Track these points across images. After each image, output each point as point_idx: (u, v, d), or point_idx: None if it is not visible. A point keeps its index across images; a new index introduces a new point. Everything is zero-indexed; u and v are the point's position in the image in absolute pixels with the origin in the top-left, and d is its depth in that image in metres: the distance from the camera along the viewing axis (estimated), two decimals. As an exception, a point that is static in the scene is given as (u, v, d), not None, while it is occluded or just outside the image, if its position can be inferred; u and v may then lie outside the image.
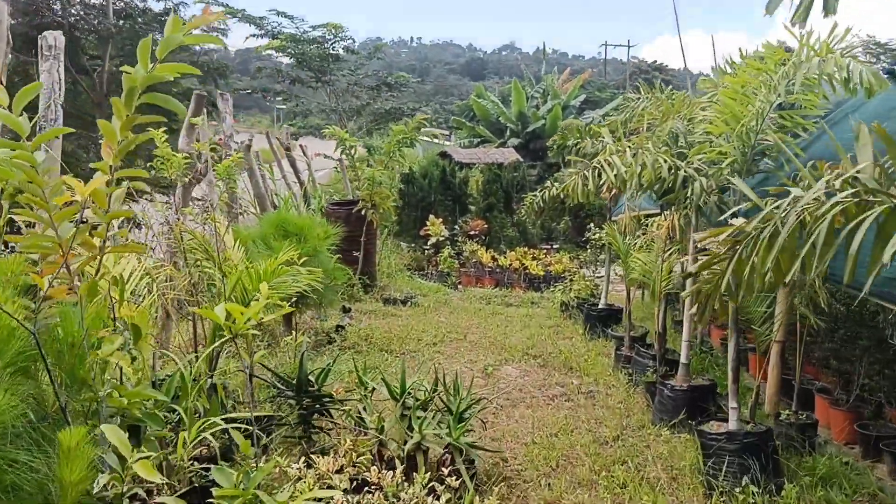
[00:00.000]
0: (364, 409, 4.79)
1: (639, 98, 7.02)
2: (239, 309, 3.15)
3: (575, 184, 5.25)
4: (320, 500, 3.40)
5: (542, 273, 15.08)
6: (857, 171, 2.63)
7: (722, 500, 4.71)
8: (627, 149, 4.94)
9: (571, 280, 11.75)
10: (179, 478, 3.79)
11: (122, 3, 20.83)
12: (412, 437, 4.48)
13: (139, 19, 20.86)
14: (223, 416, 4.89)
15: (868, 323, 6.38)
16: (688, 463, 5.35)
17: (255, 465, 3.31)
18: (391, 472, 4.04)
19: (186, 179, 5.46)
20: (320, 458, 4.14)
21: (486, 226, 17.65)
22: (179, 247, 4.97)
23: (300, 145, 17.21)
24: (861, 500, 4.93)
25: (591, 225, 13.47)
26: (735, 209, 2.96)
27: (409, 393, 4.92)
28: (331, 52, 26.10)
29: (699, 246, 4.71)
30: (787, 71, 4.53)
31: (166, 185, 5.32)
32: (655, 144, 5.09)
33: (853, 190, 2.55)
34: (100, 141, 4.00)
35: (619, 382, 7.46)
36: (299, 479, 3.90)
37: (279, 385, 4.96)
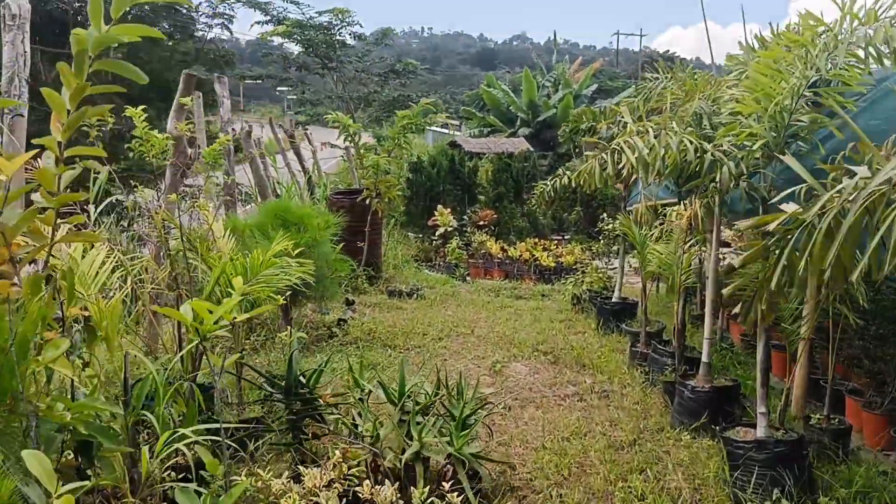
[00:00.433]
0: (359, 414, 4.39)
1: (657, 78, 6.56)
2: (206, 307, 2.75)
3: (591, 168, 4.79)
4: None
5: (552, 264, 14.66)
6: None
7: (751, 515, 4.30)
8: (650, 129, 4.50)
9: (583, 272, 11.30)
10: (151, 492, 3.41)
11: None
12: (411, 446, 4.09)
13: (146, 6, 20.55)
14: (207, 423, 4.51)
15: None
16: (711, 472, 4.93)
17: (229, 481, 2.93)
18: (387, 485, 3.65)
19: (169, 163, 5.06)
20: (311, 468, 3.74)
21: (495, 216, 17.21)
22: (161, 237, 4.57)
23: (305, 133, 16.82)
24: (903, 516, 4.51)
25: (604, 215, 13.04)
26: (789, 191, 2.55)
27: (409, 396, 4.52)
28: (337, 37, 25.64)
29: (742, 235, 4.28)
30: (826, 43, 4.09)
31: (153, 171, 4.90)
32: (679, 125, 4.65)
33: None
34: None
35: (634, 381, 7.04)
36: (285, 493, 3.51)
37: (267, 387, 4.56)
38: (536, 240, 16.52)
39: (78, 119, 2.64)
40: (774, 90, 4.34)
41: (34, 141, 2.66)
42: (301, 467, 3.80)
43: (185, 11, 22.26)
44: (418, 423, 4.25)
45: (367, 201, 11.25)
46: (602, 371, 7.40)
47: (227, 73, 24.19)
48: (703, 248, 7.43)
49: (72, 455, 2.68)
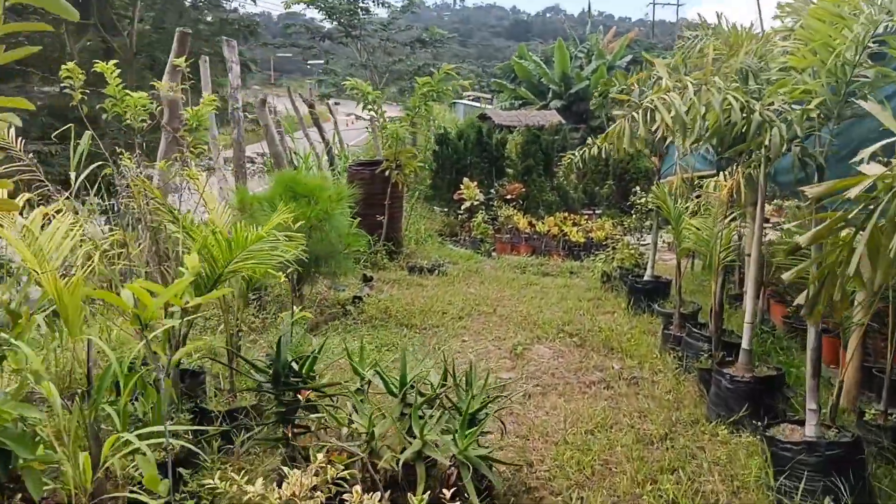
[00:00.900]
0: (355, 407, 3.92)
1: (696, 36, 5.93)
2: (155, 288, 2.28)
3: (621, 129, 4.21)
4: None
5: (582, 240, 14.07)
6: None
7: (800, 528, 3.78)
8: (689, 84, 3.91)
9: (614, 248, 10.71)
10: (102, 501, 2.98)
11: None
12: (412, 445, 3.62)
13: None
14: (194, 413, 4.09)
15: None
16: (752, 474, 4.39)
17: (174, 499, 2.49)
18: (381, 492, 3.18)
19: (163, 129, 4.60)
20: (295, 471, 3.29)
21: (523, 189, 16.59)
22: (141, 208, 4.13)
23: (327, 103, 16.33)
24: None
25: (637, 189, 12.42)
26: (875, 146, 2.03)
27: (413, 386, 4.05)
28: (361, 4, 24.98)
29: (810, 203, 3.71)
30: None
31: (143, 138, 4.45)
32: (723, 81, 4.05)
33: None
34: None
35: (666, 367, 6.50)
36: (261, 501, 3.06)
37: (255, 375, 4.10)
38: (566, 214, 15.90)
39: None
40: (835, 39, 3.74)
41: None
42: (285, 468, 3.36)
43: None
44: (420, 418, 3.78)
45: (387, 173, 10.74)
46: (631, 355, 6.87)
47: (253, 43, 23.82)
48: (743, 224, 6.83)
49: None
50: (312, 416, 3.85)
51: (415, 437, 3.67)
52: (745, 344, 5.29)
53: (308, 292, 8.40)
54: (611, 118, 10.03)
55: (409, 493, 3.27)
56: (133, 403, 3.28)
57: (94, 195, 4.46)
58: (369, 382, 4.20)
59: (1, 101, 2.39)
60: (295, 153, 12.36)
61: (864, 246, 1.94)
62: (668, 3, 73.95)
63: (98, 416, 3.15)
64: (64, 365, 3.44)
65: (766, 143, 3.83)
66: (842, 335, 5.05)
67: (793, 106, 4.13)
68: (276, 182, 7.98)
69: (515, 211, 15.44)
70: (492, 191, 16.44)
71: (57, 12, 2.26)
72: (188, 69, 5.16)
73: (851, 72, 3.78)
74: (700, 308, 7.53)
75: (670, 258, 12.13)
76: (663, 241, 11.84)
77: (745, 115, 3.86)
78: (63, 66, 3.84)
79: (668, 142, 8.56)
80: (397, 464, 3.52)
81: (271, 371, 3.95)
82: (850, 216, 2.00)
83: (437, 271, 10.66)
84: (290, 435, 3.70)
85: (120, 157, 4.60)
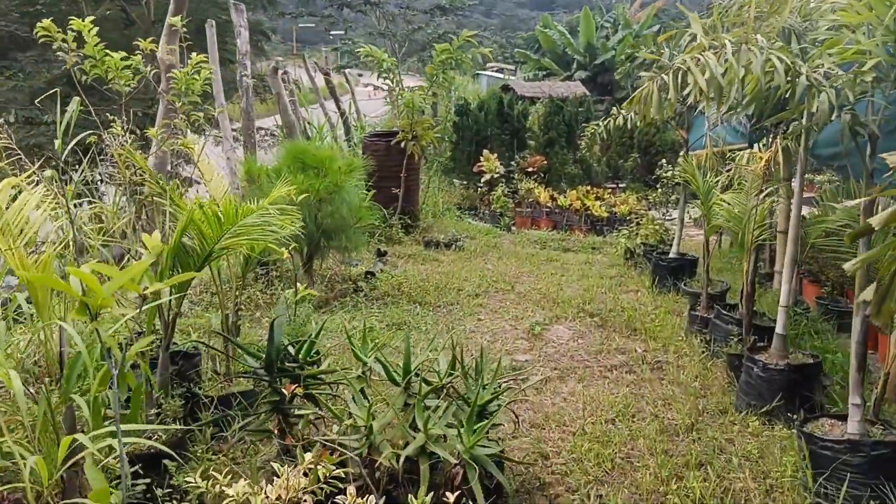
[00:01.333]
0: (354, 397, 3.61)
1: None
2: (106, 271, 1.97)
3: (648, 93, 3.79)
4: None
5: (605, 215, 13.64)
6: None
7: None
8: (727, 42, 3.49)
9: (638, 223, 10.30)
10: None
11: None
12: (415, 439, 3.31)
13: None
14: (186, 398, 3.82)
15: None
16: (787, 472, 4.05)
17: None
18: (376, 495, 2.88)
19: (160, 95, 4.27)
20: (284, 470, 3.00)
21: (545, 162, 16.12)
22: (125, 178, 3.82)
23: (344, 72, 15.93)
24: None
25: (663, 161, 11.94)
26: None
27: (418, 374, 3.74)
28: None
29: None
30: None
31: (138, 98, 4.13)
32: (765, 40, 3.63)
33: None
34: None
35: (693, 351, 6.13)
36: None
37: (249, 361, 3.80)
38: (589, 188, 15.45)
39: None
40: (893, -7, 3.32)
41: None
42: (276, 465, 3.06)
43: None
44: (425, 410, 3.47)
45: (403, 144, 10.37)
46: (655, 337, 6.51)
47: (272, 13, 23.37)
48: (776, 199, 6.41)
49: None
50: (306, 410, 3.54)
51: (419, 431, 3.36)
52: (779, 329, 4.91)
53: (319, 267, 8.11)
54: (636, 88, 9.58)
55: (409, 495, 2.96)
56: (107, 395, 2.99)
57: (87, 166, 4.15)
58: (371, 368, 3.89)
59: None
60: (309, 123, 12.02)
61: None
62: (698, -28, 71.94)
63: (71, 408, 2.88)
64: (40, 351, 3.17)
65: (814, 110, 3.42)
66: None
67: (839, 70, 3.71)
68: (286, 153, 7.67)
69: (536, 184, 15.01)
70: (512, 163, 15.99)
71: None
72: (184, 31, 4.83)
73: (911, 30, 3.36)
74: (729, 288, 7.14)
75: (696, 234, 11.69)
76: (690, 217, 11.38)
77: (789, 78, 3.45)
78: (38, 24, 3.50)
79: (696, 111, 8.11)
80: (398, 460, 3.22)
81: (264, 356, 3.65)
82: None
83: (453, 246, 10.33)
84: (283, 427, 3.40)
85: (112, 124, 4.29)
